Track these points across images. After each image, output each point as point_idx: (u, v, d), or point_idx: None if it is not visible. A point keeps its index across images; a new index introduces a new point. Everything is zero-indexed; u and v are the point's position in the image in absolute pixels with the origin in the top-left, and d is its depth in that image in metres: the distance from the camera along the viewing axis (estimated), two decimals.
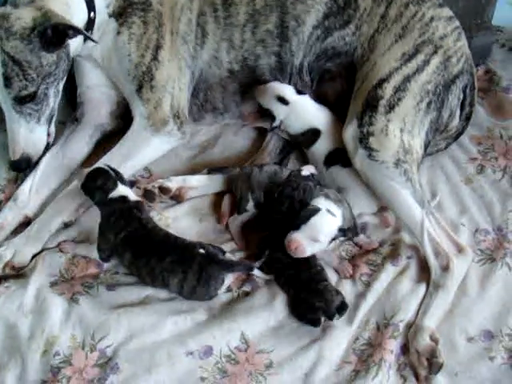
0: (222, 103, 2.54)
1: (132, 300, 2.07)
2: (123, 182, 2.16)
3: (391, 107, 2.23)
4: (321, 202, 2.08)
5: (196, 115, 2.55)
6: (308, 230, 2.02)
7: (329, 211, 2.05)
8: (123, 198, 2.12)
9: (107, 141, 2.49)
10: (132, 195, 2.16)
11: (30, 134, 2.19)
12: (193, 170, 2.46)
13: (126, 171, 2.29)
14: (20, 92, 2.09)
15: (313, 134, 2.38)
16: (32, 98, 2.13)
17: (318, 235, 2.02)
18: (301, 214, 2.04)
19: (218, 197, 2.38)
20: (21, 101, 2.12)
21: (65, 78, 2.24)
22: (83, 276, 2.14)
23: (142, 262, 2.06)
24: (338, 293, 2.03)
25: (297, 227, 2.03)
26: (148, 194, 2.33)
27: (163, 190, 2.33)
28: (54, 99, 2.22)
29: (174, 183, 2.34)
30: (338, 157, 2.32)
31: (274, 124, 2.41)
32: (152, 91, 2.34)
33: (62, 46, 2.12)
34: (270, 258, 2.09)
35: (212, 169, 2.41)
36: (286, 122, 2.41)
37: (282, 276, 2.08)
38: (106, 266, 2.16)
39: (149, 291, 2.09)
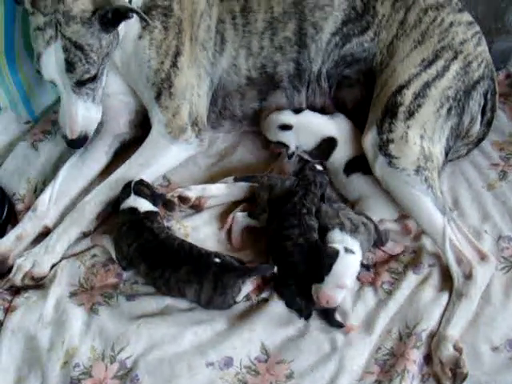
0: (240, 110, 2.53)
1: (152, 310, 2.06)
2: (141, 194, 2.18)
3: (411, 114, 2.21)
4: (337, 238, 2.07)
5: (214, 123, 2.55)
6: (332, 279, 1.98)
7: (347, 250, 2.02)
8: (133, 210, 2.14)
9: (126, 149, 2.50)
10: (146, 206, 2.16)
11: (87, 113, 2.19)
12: (211, 178, 2.46)
13: (145, 180, 2.28)
14: (82, 76, 2.10)
15: (328, 145, 2.38)
16: (92, 79, 2.13)
17: (343, 282, 1.99)
18: (321, 262, 2.00)
19: (235, 205, 2.38)
20: (81, 83, 2.12)
21: None
22: (103, 286, 2.13)
23: (157, 273, 2.06)
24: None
25: (320, 279, 1.99)
26: (168, 204, 2.31)
27: (183, 200, 2.32)
28: (105, 77, 2.23)
29: (193, 192, 2.33)
30: (358, 164, 2.31)
31: (290, 152, 2.41)
32: (171, 98, 2.33)
33: (118, 25, 2.13)
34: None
35: (238, 178, 2.39)
36: (299, 144, 2.41)
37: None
38: (125, 275, 2.16)
39: (168, 301, 2.08)
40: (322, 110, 2.52)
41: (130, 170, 2.29)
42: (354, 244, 2.06)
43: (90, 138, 2.27)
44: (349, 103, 2.51)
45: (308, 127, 2.39)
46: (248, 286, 2.07)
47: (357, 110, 2.47)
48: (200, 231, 2.29)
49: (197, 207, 2.35)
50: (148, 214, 2.14)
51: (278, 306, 2.06)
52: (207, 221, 2.33)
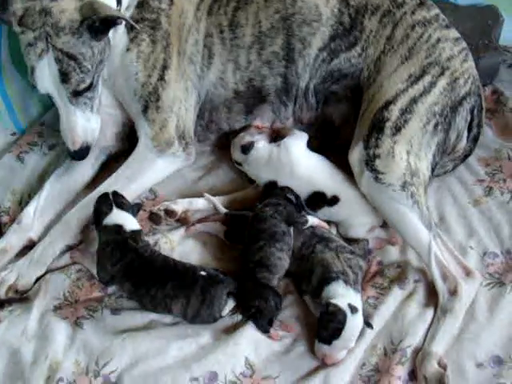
0: (226, 124, 2.53)
1: (136, 324, 2.05)
2: (123, 208, 2.14)
3: (398, 129, 2.21)
4: (340, 292, 2.02)
5: (200, 136, 2.54)
6: (339, 343, 1.95)
7: (352, 308, 1.97)
8: (118, 228, 2.10)
9: (112, 162, 2.50)
10: (130, 223, 2.13)
11: (87, 123, 2.20)
12: (198, 192, 2.44)
13: (131, 193, 2.29)
14: (78, 85, 2.11)
15: (271, 184, 2.37)
16: (88, 88, 2.14)
17: (350, 343, 1.97)
18: (328, 325, 1.95)
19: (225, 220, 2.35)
20: (78, 93, 2.13)
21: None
22: (87, 299, 2.13)
23: (142, 291, 2.05)
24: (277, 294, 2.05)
25: (328, 342, 1.95)
26: (154, 217, 2.32)
27: (169, 213, 2.32)
28: (100, 86, 2.24)
29: (179, 206, 2.33)
30: (319, 199, 2.32)
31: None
32: (158, 112, 2.33)
33: (108, 32, 2.13)
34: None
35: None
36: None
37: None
38: (110, 289, 2.15)
39: (153, 315, 2.08)
40: (309, 126, 2.53)
41: (116, 184, 2.28)
42: (357, 298, 2.03)
43: (93, 148, 2.28)
44: (336, 119, 2.52)
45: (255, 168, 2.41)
46: (233, 301, 2.07)
47: (344, 126, 2.48)
48: (185, 245, 2.29)
49: (183, 221, 2.34)
50: (133, 233, 2.11)
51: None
52: (193, 235, 2.33)
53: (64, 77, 2.07)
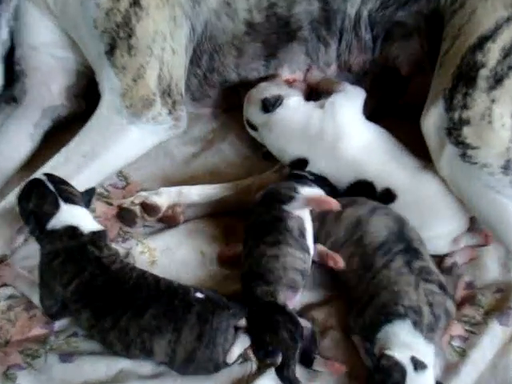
0: (236, 74, 2.56)
1: (99, 378, 2.02)
2: (74, 201, 2.13)
3: (498, 80, 2.15)
4: (403, 339, 1.99)
5: (196, 92, 2.58)
6: None
7: (417, 364, 1.93)
8: (72, 231, 2.09)
9: (61, 131, 2.52)
10: (88, 222, 2.13)
11: None
12: (192, 178, 2.47)
13: (90, 178, 2.31)
14: None
15: (299, 163, 2.38)
16: None
17: None
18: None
19: (231, 219, 2.39)
20: None
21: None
22: (24, 340, 2.12)
23: (107, 323, 2.01)
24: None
25: None
26: (125, 215, 2.34)
27: (148, 209, 2.33)
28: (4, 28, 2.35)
29: (164, 198, 2.34)
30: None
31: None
32: (130, 54, 2.33)
33: None
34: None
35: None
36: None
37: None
38: (58, 324, 2.13)
39: (124, 363, 2.05)
40: (360, 76, 2.58)
41: (67, 163, 2.29)
42: (427, 351, 1.99)
43: None
44: (402, 65, 2.53)
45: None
46: (244, 340, 2.03)
47: (414, 76, 2.51)
48: (173, 256, 2.30)
49: (169, 220, 2.35)
50: (94, 236, 2.10)
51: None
52: (184, 241, 2.34)
53: None
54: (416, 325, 2.00)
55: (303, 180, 2.28)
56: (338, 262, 2.16)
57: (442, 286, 2.10)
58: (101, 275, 2.04)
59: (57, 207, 2.08)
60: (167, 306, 2.00)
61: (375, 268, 2.12)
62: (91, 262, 2.05)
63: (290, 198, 2.18)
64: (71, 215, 2.09)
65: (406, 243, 2.16)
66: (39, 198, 2.09)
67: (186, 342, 1.97)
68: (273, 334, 1.99)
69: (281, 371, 1.98)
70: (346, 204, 2.20)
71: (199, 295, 2.02)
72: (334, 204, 2.18)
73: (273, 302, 2.03)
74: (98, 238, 2.10)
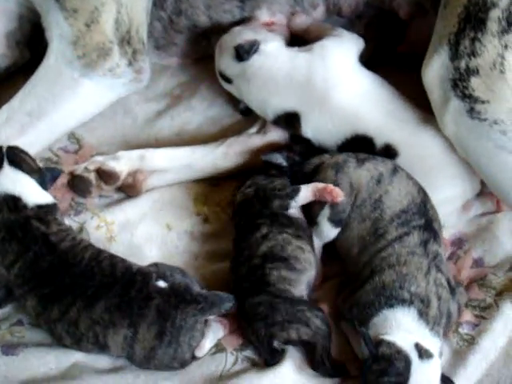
0: (206, 16, 2.46)
1: (48, 373, 1.93)
2: (23, 168, 2.06)
3: (511, 23, 2.02)
4: (406, 324, 1.90)
5: (161, 40, 2.51)
6: None
7: (419, 350, 1.84)
8: (13, 202, 2.01)
9: (2, 86, 2.47)
10: (34, 193, 2.06)
11: None
12: (156, 140, 2.41)
13: (36, 140, 2.23)
14: None
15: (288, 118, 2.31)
16: None
17: None
18: (379, 380, 1.83)
19: (201, 187, 2.33)
20: None
21: None
22: None
23: (54, 314, 1.91)
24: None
25: None
26: (77, 183, 2.25)
27: (105, 176, 2.25)
28: None
29: (123, 163, 2.26)
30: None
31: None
32: None
33: None
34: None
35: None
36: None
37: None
38: (0, 312, 2.05)
39: (77, 355, 1.95)
40: (352, 20, 2.48)
41: (9, 123, 2.21)
42: (433, 342, 1.90)
43: None
44: (401, 7, 2.42)
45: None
46: (217, 330, 1.96)
47: (415, 19, 2.43)
48: (135, 232, 2.23)
49: (130, 190, 2.28)
50: (40, 210, 2.02)
51: (284, 368, 1.92)
52: (148, 214, 2.26)
53: None
54: (421, 315, 1.92)
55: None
56: (337, 194, 2.09)
57: (449, 284, 2.02)
58: (48, 255, 1.96)
59: None
60: (121, 297, 1.90)
61: (387, 239, 2.01)
62: (36, 239, 1.98)
63: (295, 192, 2.10)
64: (13, 181, 2.03)
65: (426, 219, 2.06)
66: None
67: (144, 339, 1.87)
68: (303, 326, 1.91)
69: (322, 364, 1.91)
70: (363, 159, 2.12)
71: (161, 284, 1.92)
72: (339, 194, 2.11)
73: (289, 294, 1.96)
74: (44, 212, 2.03)
